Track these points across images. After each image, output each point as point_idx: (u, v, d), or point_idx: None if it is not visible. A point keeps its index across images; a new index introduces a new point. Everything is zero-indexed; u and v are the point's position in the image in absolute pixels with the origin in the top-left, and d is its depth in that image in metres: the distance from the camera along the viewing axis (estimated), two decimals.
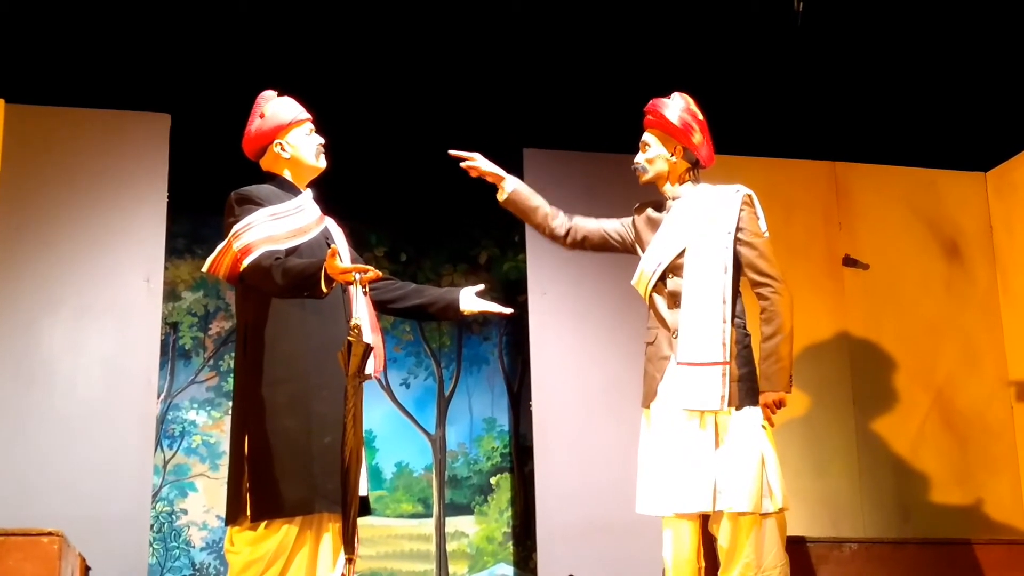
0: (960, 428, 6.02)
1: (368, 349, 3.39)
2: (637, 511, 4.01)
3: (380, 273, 3.50)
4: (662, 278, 4.09)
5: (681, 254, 4.06)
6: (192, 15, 5.37)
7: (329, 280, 3.38)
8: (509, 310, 4.01)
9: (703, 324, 3.96)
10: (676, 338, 4.01)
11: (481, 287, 4.00)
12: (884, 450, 5.87)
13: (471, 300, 3.97)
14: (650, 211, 4.26)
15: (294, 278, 3.42)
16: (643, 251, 4.19)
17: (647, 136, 4.26)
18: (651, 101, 4.27)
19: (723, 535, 3.87)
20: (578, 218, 4.34)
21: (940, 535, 5.68)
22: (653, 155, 4.23)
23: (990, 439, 6.03)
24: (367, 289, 3.54)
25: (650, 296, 4.13)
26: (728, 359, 3.91)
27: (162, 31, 5.43)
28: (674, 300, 4.05)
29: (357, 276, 3.41)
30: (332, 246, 3.48)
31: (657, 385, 4.03)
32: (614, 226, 4.30)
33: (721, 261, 4.01)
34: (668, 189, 4.22)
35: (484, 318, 6.75)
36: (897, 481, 5.85)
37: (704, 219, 4.08)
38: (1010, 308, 6.13)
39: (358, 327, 3.37)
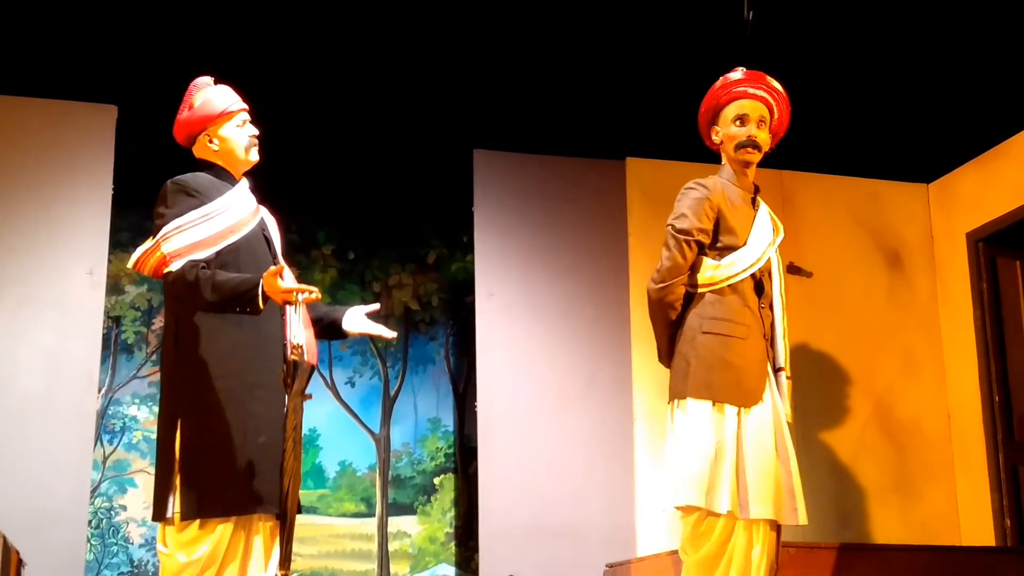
0: (898, 436, 6.11)
1: (312, 369, 3.37)
2: (749, 516, 3.71)
3: (321, 296, 3.41)
4: (753, 276, 3.91)
5: (769, 258, 3.95)
6: (140, 5, 5.31)
7: (266, 297, 3.30)
8: (393, 334, 3.80)
9: (783, 332, 3.93)
10: (767, 340, 3.89)
11: (375, 307, 3.81)
12: (824, 456, 5.93)
13: (356, 321, 3.77)
14: (729, 195, 3.95)
15: (227, 294, 3.32)
16: (723, 236, 3.91)
17: (762, 109, 3.96)
18: (758, 72, 3.98)
19: (767, 540, 3.80)
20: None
21: (878, 541, 5.76)
22: (767, 138, 3.98)
23: (927, 447, 6.13)
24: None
25: (732, 288, 3.87)
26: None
27: (110, 21, 5.36)
28: (766, 303, 3.92)
29: (300, 297, 3.33)
30: (278, 265, 3.39)
31: (763, 388, 3.82)
32: (699, 241, 3.88)
33: (780, 272, 4.00)
34: (752, 183, 4.01)
35: (431, 317, 6.76)
36: (836, 487, 5.92)
37: (775, 226, 4.03)
38: (949, 318, 6.23)
39: (300, 347, 3.33)
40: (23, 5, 5.24)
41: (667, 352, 3.99)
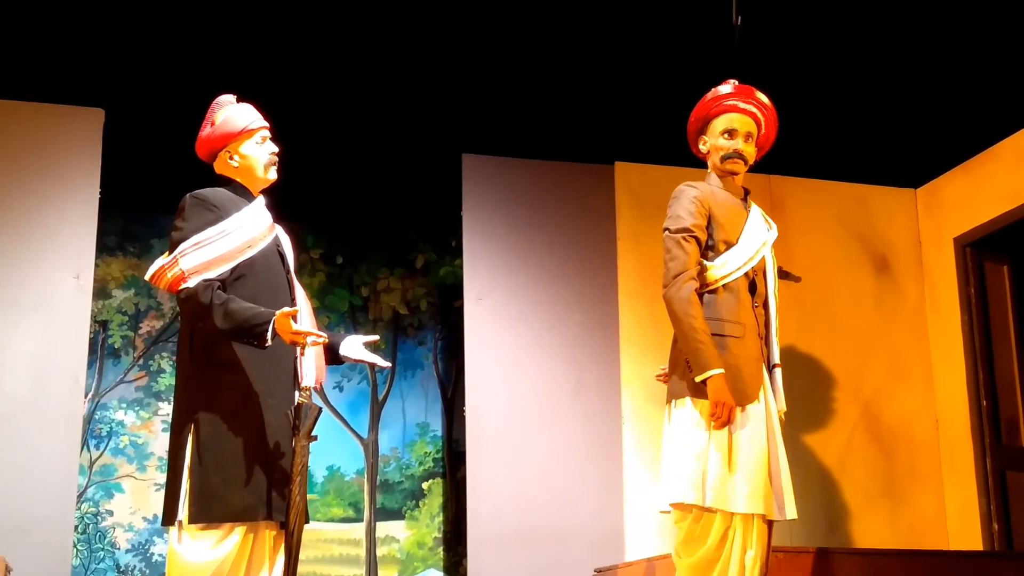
0: (887, 441, 6.11)
1: (320, 411, 3.47)
2: (778, 516, 3.82)
3: (328, 339, 3.58)
4: (746, 275, 3.96)
5: (763, 257, 4.02)
6: (128, 8, 5.30)
7: (275, 333, 3.39)
8: (387, 364, 3.94)
9: (776, 329, 4.00)
10: (762, 339, 3.95)
11: (374, 338, 3.94)
12: (812, 461, 5.94)
13: (354, 348, 3.86)
14: (717, 195, 4.01)
15: (238, 324, 3.41)
16: (716, 235, 3.94)
17: (750, 124, 4.04)
18: (748, 87, 4.03)
19: (760, 541, 3.83)
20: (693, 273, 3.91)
21: (866, 545, 5.77)
22: (753, 152, 4.06)
23: (915, 452, 6.13)
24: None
25: (726, 288, 3.91)
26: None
27: (97, 24, 5.35)
28: (760, 301, 3.98)
29: (309, 340, 3.44)
30: (292, 308, 3.45)
31: (759, 386, 3.87)
32: (696, 236, 3.92)
33: (775, 271, 4.06)
34: (740, 187, 4.09)
35: (420, 321, 6.76)
36: (824, 491, 5.92)
37: (768, 227, 4.09)
38: (937, 323, 6.24)
39: (309, 390, 3.48)
40: (9, 8, 5.22)
41: (713, 355, 3.81)
